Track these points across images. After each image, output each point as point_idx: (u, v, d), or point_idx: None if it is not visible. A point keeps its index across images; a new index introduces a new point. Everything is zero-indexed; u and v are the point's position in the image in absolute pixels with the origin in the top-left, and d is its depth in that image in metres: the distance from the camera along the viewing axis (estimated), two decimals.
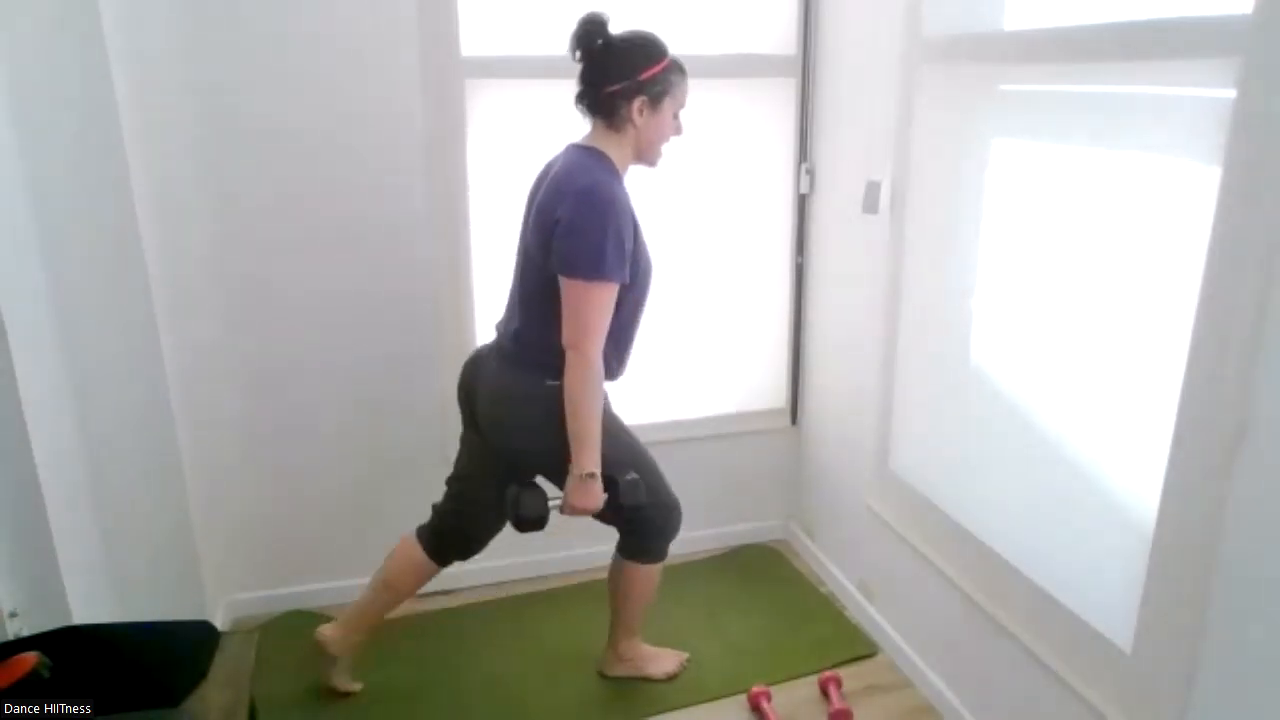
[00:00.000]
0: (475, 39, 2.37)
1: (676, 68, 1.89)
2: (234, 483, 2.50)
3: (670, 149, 1.98)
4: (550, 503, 1.92)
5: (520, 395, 1.95)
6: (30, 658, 1.37)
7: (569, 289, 1.80)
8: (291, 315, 2.43)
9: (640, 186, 2.52)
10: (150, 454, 2.15)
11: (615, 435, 1.99)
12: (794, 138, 2.70)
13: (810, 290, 2.81)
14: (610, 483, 1.92)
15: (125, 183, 1.97)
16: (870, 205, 2.33)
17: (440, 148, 2.40)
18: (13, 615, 1.63)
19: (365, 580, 2.63)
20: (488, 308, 2.57)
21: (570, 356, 1.82)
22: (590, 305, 1.79)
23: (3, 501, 1.66)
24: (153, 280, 2.07)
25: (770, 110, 2.67)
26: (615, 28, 1.85)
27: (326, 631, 2.22)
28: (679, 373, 2.81)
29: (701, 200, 2.69)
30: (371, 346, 2.51)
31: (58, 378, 1.90)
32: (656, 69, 1.85)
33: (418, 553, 2.18)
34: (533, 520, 1.91)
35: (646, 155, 1.95)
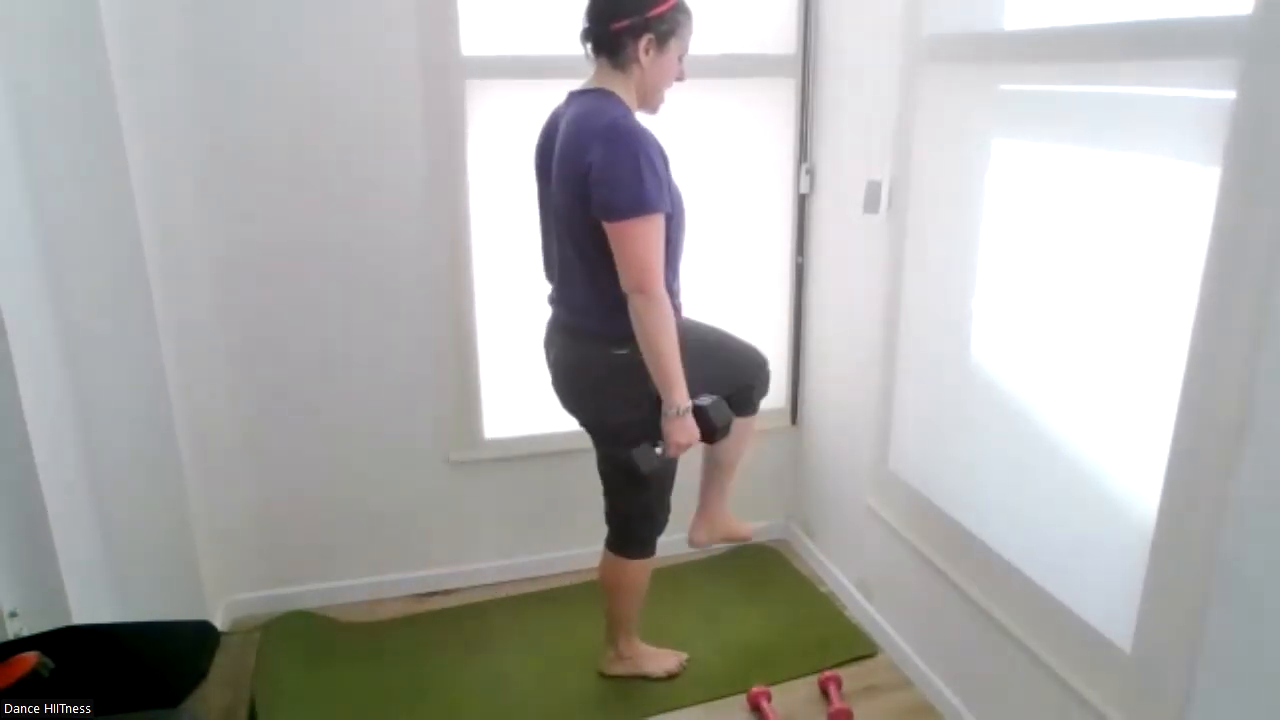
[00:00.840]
0: (475, 39, 2.37)
1: (683, 7, 1.85)
2: (234, 483, 2.50)
3: (672, 94, 1.95)
4: (656, 451, 1.93)
5: (588, 366, 1.95)
6: (30, 658, 1.37)
7: (618, 233, 1.75)
8: (292, 316, 2.43)
9: None
10: (150, 454, 2.15)
11: (703, 342, 1.98)
12: (794, 138, 2.70)
13: (810, 290, 2.81)
14: (697, 411, 1.91)
15: (125, 183, 1.96)
16: (870, 205, 2.33)
17: (440, 148, 2.40)
18: (13, 615, 1.63)
19: (365, 580, 2.64)
20: (488, 308, 2.57)
21: (635, 301, 1.78)
22: (644, 242, 1.75)
23: (3, 501, 1.66)
24: (153, 281, 2.07)
25: (770, 110, 2.67)
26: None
27: (695, 536, 2.35)
28: None
29: (702, 200, 2.68)
30: (372, 346, 2.51)
31: (58, 378, 1.91)
32: (665, 7, 1.81)
33: (607, 556, 2.19)
34: (654, 472, 1.94)
35: (649, 99, 1.91)
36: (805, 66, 2.63)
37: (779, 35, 2.62)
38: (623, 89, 1.86)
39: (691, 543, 2.37)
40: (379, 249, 2.44)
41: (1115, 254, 1.66)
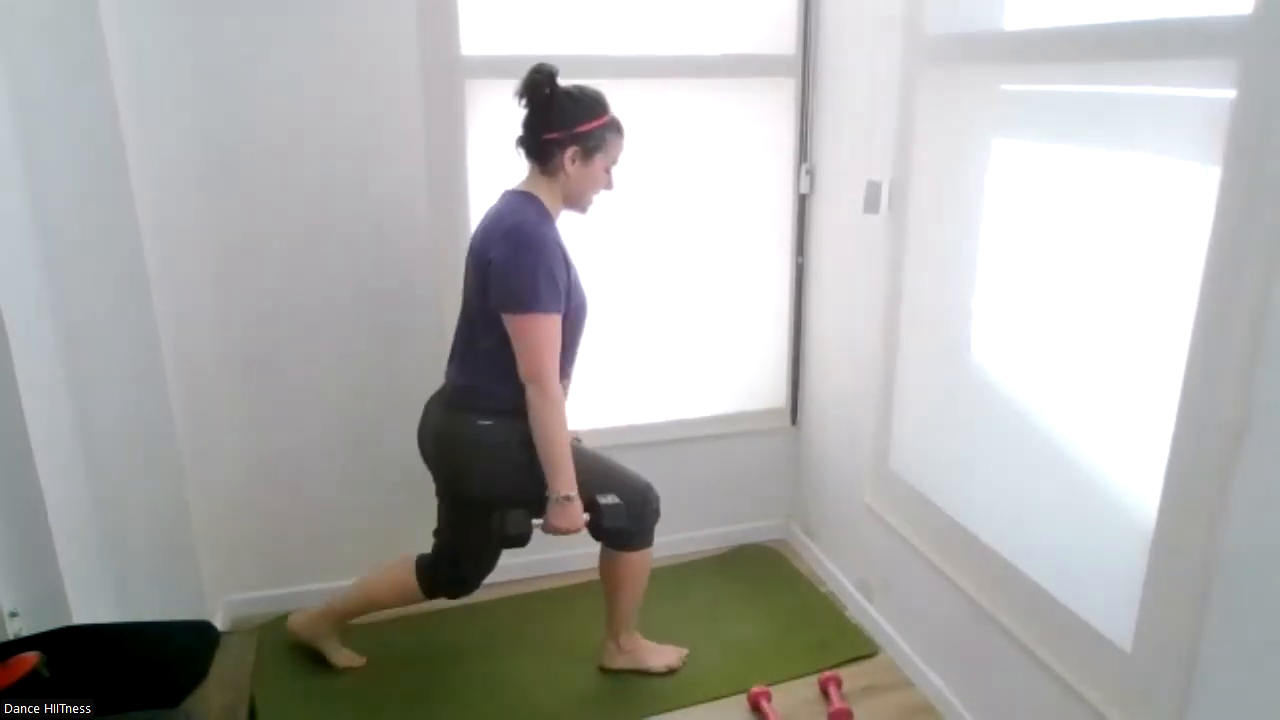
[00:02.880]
0: (475, 39, 2.37)
1: (614, 126, 1.99)
2: (234, 483, 2.50)
3: (600, 200, 2.07)
4: (534, 522, 1.99)
5: (454, 437, 2.04)
6: (30, 658, 1.37)
7: (512, 325, 1.90)
8: (292, 317, 2.43)
9: (640, 187, 2.53)
10: (150, 454, 2.15)
11: (578, 457, 2.04)
12: (794, 138, 2.70)
13: (810, 290, 2.81)
14: (592, 505, 2.01)
15: (125, 184, 1.97)
16: (870, 205, 2.33)
17: (440, 148, 2.40)
18: (13, 615, 1.63)
19: None
20: None
21: (530, 390, 1.91)
22: (536, 337, 1.89)
23: (3, 501, 1.66)
24: (152, 281, 2.07)
25: (770, 110, 2.67)
26: (564, 80, 1.94)
27: (295, 619, 2.37)
28: (679, 373, 2.81)
29: (702, 200, 2.69)
30: (372, 347, 2.51)
31: (58, 378, 1.91)
32: (593, 125, 1.95)
33: (411, 581, 2.23)
34: (514, 538, 1.98)
35: (576, 202, 2.04)
36: (805, 66, 2.63)
37: (779, 35, 2.62)
38: (546, 192, 2.00)
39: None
40: (379, 249, 2.44)
41: (1115, 254, 1.66)
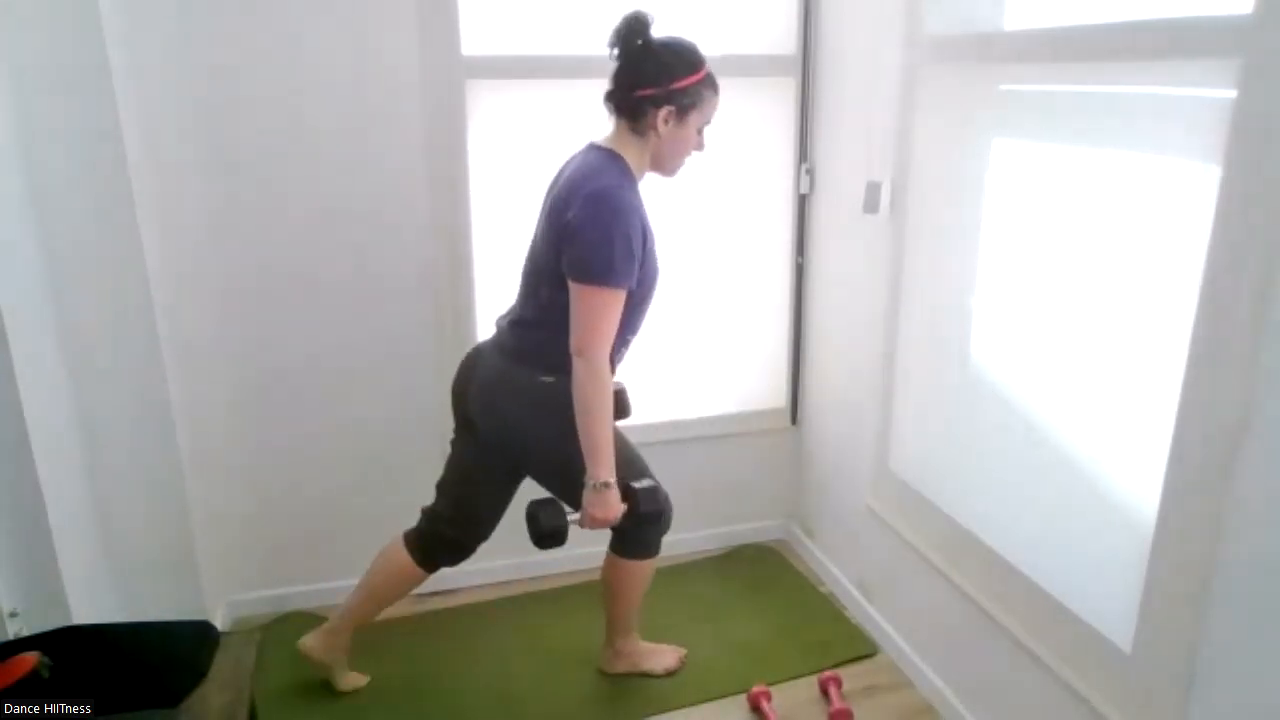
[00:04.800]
0: (475, 39, 2.37)
1: (710, 82, 1.87)
2: (234, 483, 2.50)
3: (690, 162, 1.96)
4: (569, 516, 1.89)
5: (513, 386, 1.94)
6: (30, 658, 1.37)
7: (577, 293, 1.79)
8: (292, 316, 2.43)
9: (641, 187, 2.53)
10: (150, 454, 2.15)
11: (619, 442, 1.96)
12: (794, 138, 2.70)
13: (810, 290, 2.81)
14: (626, 491, 1.89)
15: (126, 186, 1.96)
16: (870, 205, 2.33)
17: (440, 148, 2.40)
18: (13, 615, 1.63)
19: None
20: (488, 310, 2.57)
21: (577, 363, 1.80)
22: (597, 310, 1.78)
23: (3, 501, 1.67)
24: (152, 282, 2.07)
25: (770, 110, 2.67)
26: (656, 31, 1.82)
27: (308, 642, 2.22)
28: (679, 373, 2.80)
29: (702, 200, 2.68)
30: (372, 346, 2.51)
31: (57, 378, 1.91)
32: (690, 80, 1.82)
33: (405, 558, 2.16)
34: (550, 534, 1.86)
35: (664, 165, 1.92)
36: (805, 66, 2.63)
37: (779, 35, 2.62)
38: (635, 153, 1.87)
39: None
40: (379, 249, 2.44)
41: (1115, 254, 1.66)
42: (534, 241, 1.96)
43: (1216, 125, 1.36)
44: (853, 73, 2.46)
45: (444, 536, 2.16)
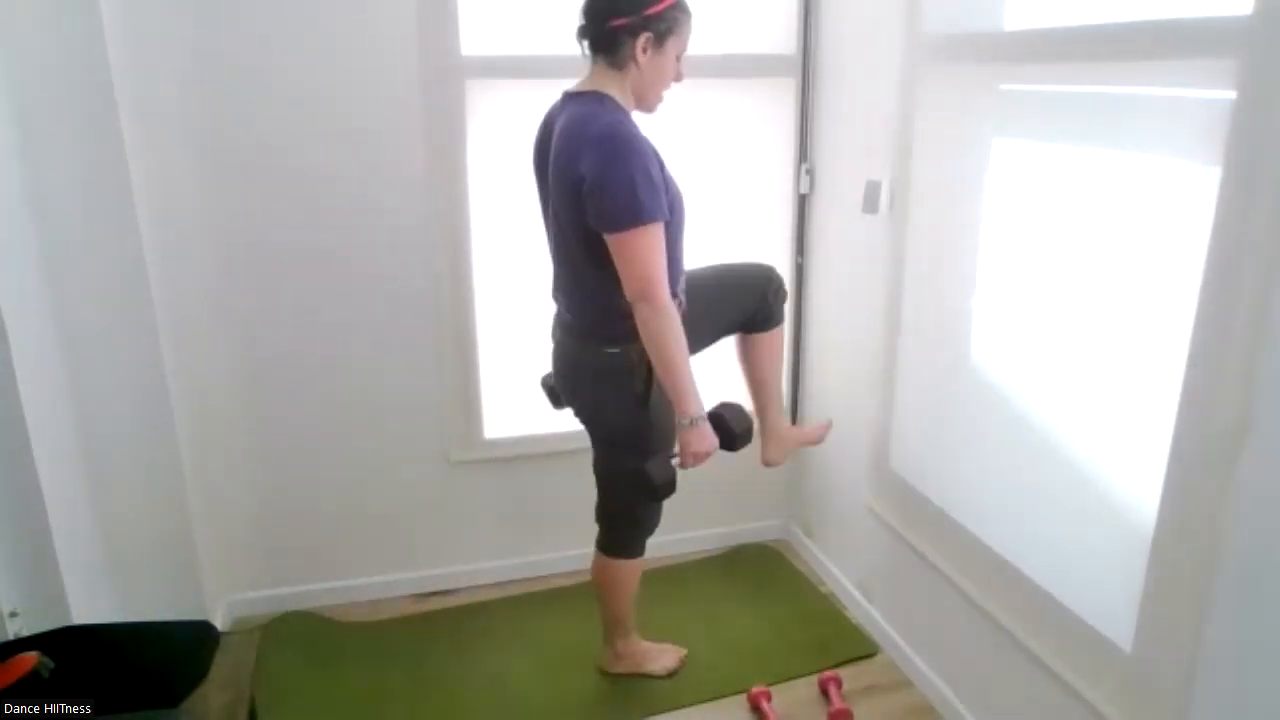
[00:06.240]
0: (475, 39, 2.37)
1: (682, 5, 1.83)
2: (234, 482, 2.50)
3: (670, 95, 1.92)
4: (672, 460, 1.90)
5: (584, 364, 1.96)
6: (30, 658, 1.37)
7: (617, 243, 1.74)
8: (292, 315, 2.43)
9: None
10: (150, 454, 2.15)
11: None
12: (794, 138, 2.70)
13: (810, 290, 2.81)
14: (716, 419, 1.89)
15: (125, 184, 1.97)
16: (870, 205, 2.33)
17: (440, 148, 2.40)
18: (13, 615, 1.63)
19: (365, 580, 2.64)
20: (488, 310, 2.57)
21: (640, 309, 1.75)
22: (643, 252, 1.73)
23: (3, 501, 1.67)
24: (152, 281, 2.07)
25: (770, 110, 2.67)
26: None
27: (770, 456, 2.29)
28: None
29: (701, 200, 2.68)
30: (372, 346, 2.51)
31: (58, 378, 1.91)
32: (662, 5, 1.78)
33: (604, 561, 2.19)
34: (667, 484, 1.89)
35: (646, 99, 1.88)
36: (805, 66, 2.63)
37: (779, 35, 2.62)
38: (618, 90, 1.84)
39: (766, 463, 2.32)
40: (379, 249, 2.44)
41: (1115, 254, 1.65)
42: (549, 206, 1.91)
43: (1216, 125, 1.36)
44: (853, 73, 2.46)
45: (620, 536, 2.16)
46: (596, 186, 1.72)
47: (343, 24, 2.26)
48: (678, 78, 1.90)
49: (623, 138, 1.74)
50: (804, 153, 2.70)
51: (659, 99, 1.91)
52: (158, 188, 2.17)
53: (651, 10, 1.77)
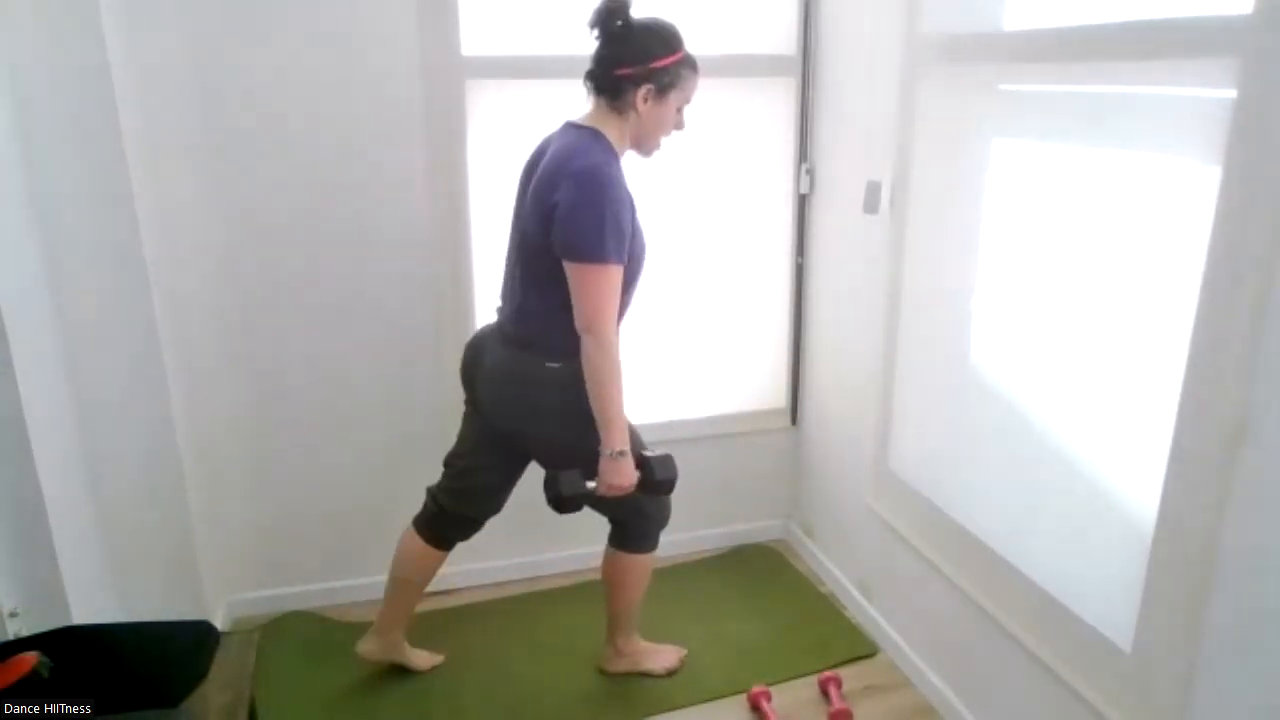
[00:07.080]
0: (475, 39, 2.37)
1: (689, 63, 1.89)
2: (234, 483, 2.50)
3: (669, 143, 1.98)
4: (587, 484, 1.91)
5: (520, 377, 1.95)
6: (30, 658, 1.37)
7: (573, 272, 1.80)
8: (293, 316, 2.43)
9: (641, 186, 2.53)
10: (150, 455, 2.15)
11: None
12: (794, 138, 2.70)
13: (810, 290, 2.81)
14: (642, 461, 1.93)
15: (126, 185, 1.97)
16: (870, 205, 2.33)
17: (440, 148, 2.40)
18: (13, 615, 1.63)
19: (365, 580, 2.64)
20: (488, 310, 2.57)
21: (586, 341, 1.82)
22: (597, 289, 1.79)
23: (3, 501, 1.67)
24: (153, 281, 2.07)
25: (770, 110, 2.67)
26: (637, 12, 1.85)
27: (365, 648, 2.27)
28: (679, 373, 2.80)
29: (701, 200, 2.69)
30: (372, 347, 2.51)
31: (58, 379, 1.91)
32: (669, 60, 1.85)
33: (418, 543, 2.19)
34: (570, 499, 1.90)
35: (643, 144, 1.94)
36: (805, 66, 2.63)
37: (779, 35, 2.62)
38: (615, 131, 1.89)
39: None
40: (379, 249, 2.44)
41: (1115, 254, 1.66)
42: (520, 223, 1.95)
43: (1216, 125, 1.36)
44: (853, 73, 2.46)
45: (453, 512, 2.17)
46: (566, 217, 1.78)
47: (343, 24, 2.26)
48: (678, 127, 1.96)
49: (601, 180, 1.79)
50: (804, 153, 2.70)
51: (657, 146, 1.97)
52: (157, 187, 2.17)
53: (658, 64, 1.84)
